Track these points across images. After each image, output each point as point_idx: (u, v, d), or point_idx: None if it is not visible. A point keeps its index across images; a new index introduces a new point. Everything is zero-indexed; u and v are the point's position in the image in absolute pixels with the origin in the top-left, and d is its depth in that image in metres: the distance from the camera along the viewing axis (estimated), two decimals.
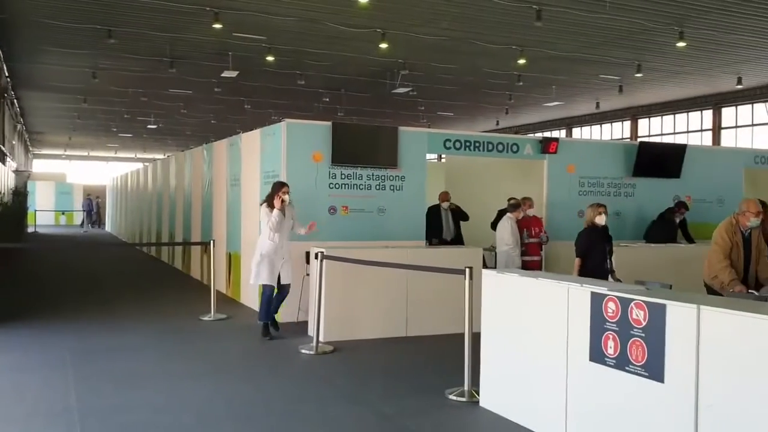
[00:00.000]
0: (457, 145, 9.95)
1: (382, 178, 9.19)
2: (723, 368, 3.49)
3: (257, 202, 9.59)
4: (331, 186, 8.93)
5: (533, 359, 4.81)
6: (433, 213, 10.54)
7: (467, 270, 5.47)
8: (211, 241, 9.69)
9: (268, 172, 9.26)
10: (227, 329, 8.56)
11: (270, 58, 16.35)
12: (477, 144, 10.07)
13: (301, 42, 15.56)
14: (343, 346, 7.36)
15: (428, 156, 10.35)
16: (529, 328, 4.88)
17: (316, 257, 7.31)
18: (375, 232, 9.04)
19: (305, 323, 8.24)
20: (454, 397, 5.48)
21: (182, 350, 7.35)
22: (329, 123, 9.09)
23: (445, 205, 10.62)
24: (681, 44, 14.27)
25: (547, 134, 27.28)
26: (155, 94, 22.72)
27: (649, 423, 3.86)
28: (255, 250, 7.81)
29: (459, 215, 10.71)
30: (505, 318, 5.15)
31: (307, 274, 8.24)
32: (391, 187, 9.24)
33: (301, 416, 5.13)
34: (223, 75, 18.39)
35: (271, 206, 7.63)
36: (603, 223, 7.48)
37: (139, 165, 26.54)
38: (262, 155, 9.58)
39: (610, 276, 7.40)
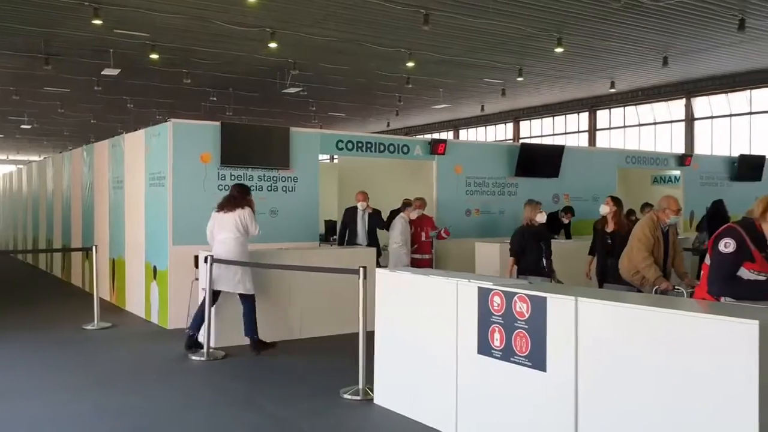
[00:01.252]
0: (350, 146, 10.02)
1: (274, 179, 9.11)
2: (600, 355, 3.71)
3: (142, 205, 9.31)
4: (221, 188, 8.72)
5: (425, 354, 4.92)
6: (349, 214, 9.97)
7: (361, 270, 5.53)
8: (93, 247, 9.26)
9: (154, 174, 8.96)
10: (113, 338, 8.21)
11: (154, 56, 15.82)
12: (369, 145, 10.17)
13: (187, 40, 15.16)
14: (235, 351, 7.23)
15: (321, 156, 10.34)
16: (420, 324, 4.98)
17: (205, 261, 7.15)
18: (267, 234, 8.87)
19: None
20: (349, 397, 5.52)
21: (65, 361, 6.98)
22: (218, 123, 8.91)
23: (361, 206, 9.79)
24: (559, 50, 15.00)
25: (435, 136, 27.95)
26: (29, 93, 21.43)
27: (534, 410, 4.05)
28: (235, 254, 7.14)
29: (377, 221, 9.86)
30: (397, 315, 5.24)
31: (196, 279, 8.04)
32: (284, 189, 9.18)
33: (192, 425, 5.01)
34: (103, 73, 17.59)
35: (252, 209, 7.31)
36: (543, 221, 7.47)
37: (13, 167, 24.96)
38: (147, 156, 9.25)
39: (551, 276, 7.38)
